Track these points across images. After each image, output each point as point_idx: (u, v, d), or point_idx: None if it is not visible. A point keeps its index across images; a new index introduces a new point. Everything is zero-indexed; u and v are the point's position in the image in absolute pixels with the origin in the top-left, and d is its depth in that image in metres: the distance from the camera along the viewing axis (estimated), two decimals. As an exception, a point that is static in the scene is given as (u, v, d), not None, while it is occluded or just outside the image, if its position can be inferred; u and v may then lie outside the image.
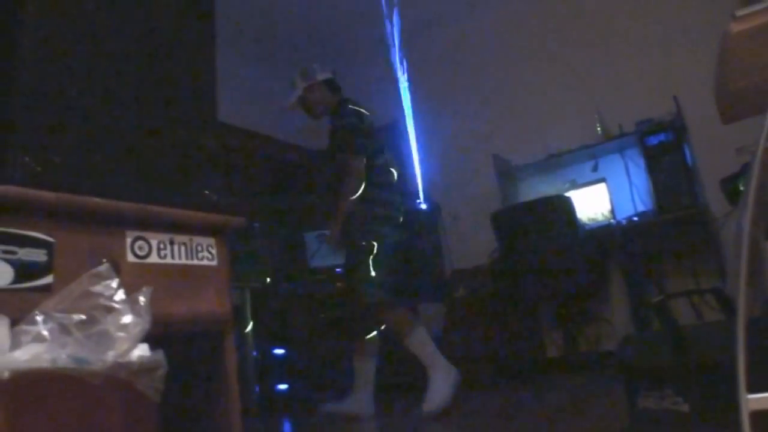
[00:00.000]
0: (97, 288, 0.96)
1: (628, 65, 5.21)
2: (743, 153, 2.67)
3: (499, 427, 2.98)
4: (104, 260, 1.14)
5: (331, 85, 4.08)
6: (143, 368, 0.95)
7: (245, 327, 4.56)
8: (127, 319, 0.95)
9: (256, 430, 3.89)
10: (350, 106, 3.93)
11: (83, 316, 0.92)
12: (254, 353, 4.63)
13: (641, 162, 4.90)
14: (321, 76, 4.04)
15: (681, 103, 4.61)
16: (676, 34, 4.94)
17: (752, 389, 1.30)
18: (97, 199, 1.29)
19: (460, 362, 4.65)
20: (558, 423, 2.86)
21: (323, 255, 5.58)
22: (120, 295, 0.98)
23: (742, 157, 2.97)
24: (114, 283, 0.98)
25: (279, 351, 5.08)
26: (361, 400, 3.70)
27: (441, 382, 3.45)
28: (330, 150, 3.93)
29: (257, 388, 4.59)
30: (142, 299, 1.01)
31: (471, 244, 5.53)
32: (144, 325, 0.98)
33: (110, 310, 0.95)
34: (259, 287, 4.81)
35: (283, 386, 5.02)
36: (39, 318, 0.89)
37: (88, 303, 0.94)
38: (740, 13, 1.59)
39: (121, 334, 0.93)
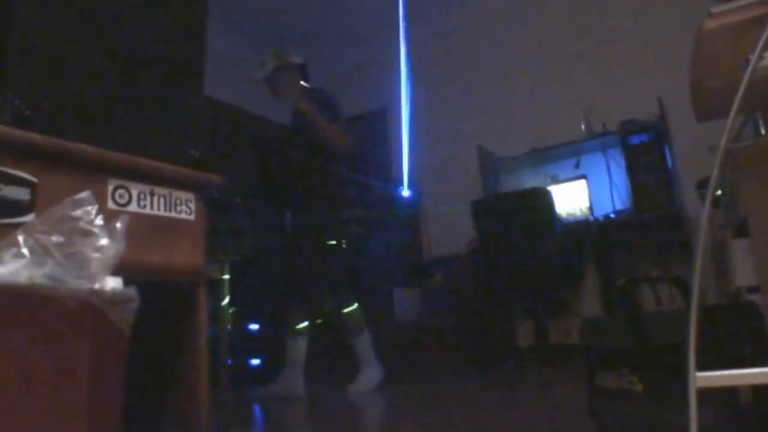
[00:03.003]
0: (77, 212, 1.00)
1: (615, 65, 5.28)
2: (716, 152, 2.73)
3: (464, 404, 3.05)
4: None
5: (302, 70, 4.11)
6: (116, 299, 0.99)
7: (222, 300, 4.58)
8: (103, 242, 1.00)
9: (226, 402, 3.92)
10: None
11: (62, 238, 0.96)
12: (229, 327, 4.66)
13: (622, 161, 4.98)
14: (295, 59, 4.08)
15: (665, 104, 4.68)
16: (663, 36, 5.00)
17: (701, 369, 1.36)
18: (82, 145, 1.33)
19: (433, 347, 4.74)
20: (522, 400, 2.93)
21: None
22: (99, 220, 1.02)
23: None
24: (93, 210, 1.03)
25: (254, 326, 5.11)
26: (292, 380, 3.87)
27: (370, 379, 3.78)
28: (298, 131, 3.99)
29: (229, 362, 4.62)
30: (118, 225, 1.05)
31: (450, 232, 5.58)
32: (118, 249, 1.02)
33: (88, 233, 0.99)
34: (238, 262, 4.83)
35: (255, 361, 5.05)
36: (20, 238, 0.94)
37: (67, 226, 0.98)
38: (715, 10, 1.64)
39: (96, 255, 0.98)
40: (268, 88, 4.11)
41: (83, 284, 0.95)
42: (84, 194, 1.04)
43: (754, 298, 2.44)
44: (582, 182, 5.19)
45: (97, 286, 0.98)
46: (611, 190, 5.19)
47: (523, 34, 5.85)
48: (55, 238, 0.96)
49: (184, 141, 1.61)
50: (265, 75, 4.05)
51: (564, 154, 5.38)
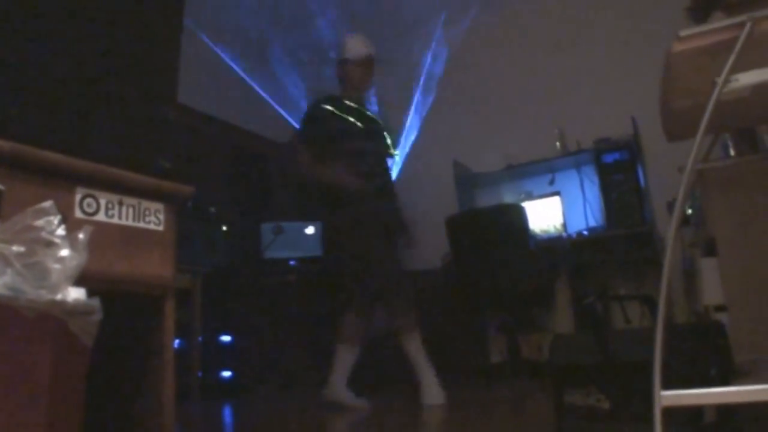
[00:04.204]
0: (39, 222, 0.99)
1: (589, 84, 5.35)
2: (684, 172, 2.78)
3: (434, 418, 3.05)
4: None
5: None
6: (78, 310, 0.98)
7: (194, 311, 4.55)
8: (64, 252, 0.99)
9: (197, 414, 3.89)
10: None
11: (22, 248, 0.95)
12: (200, 338, 4.62)
13: (596, 179, 5.04)
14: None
15: (638, 123, 4.74)
16: (638, 55, 5.07)
17: (668, 387, 1.38)
18: (50, 153, 1.31)
19: (403, 361, 4.73)
20: (491, 417, 2.94)
21: (278, 247, 5.60)
22: (60, 231, 1.01)
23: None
24: (56, 219, 1.02)
25: (225, 338, 5.07)
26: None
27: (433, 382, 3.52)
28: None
29: (200, 374, 4.59)
30: (81, 236, 1.04)
31: (424, 247, 5.58)
32: (80, 259, 1.01)
33: (49, 244, 0.98)
34: (211, 273, 4.80)
35: (227, 373, 5.02)
36: (-21, 247, 0.93)
37: (28, 236, 0.97)
38: (683, 33, 1.67)
39: (57, 266, 0.97)
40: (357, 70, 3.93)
41: (43, 295, 0.94)
42: (46, 204, 1.03)
43: (722, 317, 2.47)
44: (556, 199, 5.24)
45: (58, 297, 0.96)
46: (585, 208, 5.25)
47: (499, 53, 5.91)
48: (15, 248, 0.94)
49: (155, 150, 1.60)
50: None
51: (539, 171, 5.44)
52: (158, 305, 1.54)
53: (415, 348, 3.63)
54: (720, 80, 1.52)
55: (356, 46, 3.89)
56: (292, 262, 5.56)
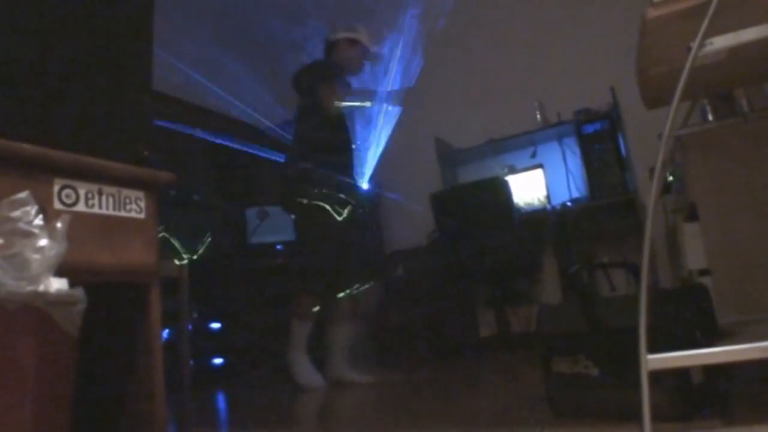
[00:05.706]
0: (16, 213, 0.98)
1: (568, 55, 5.34)
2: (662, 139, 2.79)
3: (425, 394, 3.07)
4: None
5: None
6: (61, 301, 0.98)
7: (182, 300, 4.53)
8: (43, 242, 0.98)
9: (189, 403, 3.89)
10: None
11: (1, 240, 0.94)
12: (189, 327, 4.62)
13: (577, 150, 5.05)
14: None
15: (617, 93, 4.75)
16: (615, 26, 5.06)
17: (654, 351, 1.39)
18: (25, 145, 1.30)
19: (396, 339, 4.76)
20: (481, 388, 2.96)
21: (263, 232, 5.58)
22: (38, 221, 1.00)
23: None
24: (33, 210, 1.01)
25: (215, 325, 5.07)
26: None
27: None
28: None
29: (192, 362, 4.58)
30: (59, 225, 1.03)
31: (410, 225, 5.60)
32: (59, 249, 1.01)
33: (27, 234, 0.97)
34: (197, 260, 4.78)
35: (218, 360, 5.02)
36: (-44, 241, 0.92)
37: (6, 227, 0.96)
38: (657, -1, 1.67)
39: (36, 256, 0.96)
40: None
41: (24, 286, 0.94)
42: (22, 194, 1.02)
43: (706, 280, 2.50)
44: (539, 172, 5.26)
45: (41, 288, 0.96)
46: (567, 179, 5.27)
47: (476, 26, 5.88)
48: (-7, 241, 0.94)
49: (132, 138, 1.59)
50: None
51: (520, 144, 5.44)
52: (144, 293, 1.54)
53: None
54: (695, 45, 1.52)
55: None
56: (278, 247, 5.55)
